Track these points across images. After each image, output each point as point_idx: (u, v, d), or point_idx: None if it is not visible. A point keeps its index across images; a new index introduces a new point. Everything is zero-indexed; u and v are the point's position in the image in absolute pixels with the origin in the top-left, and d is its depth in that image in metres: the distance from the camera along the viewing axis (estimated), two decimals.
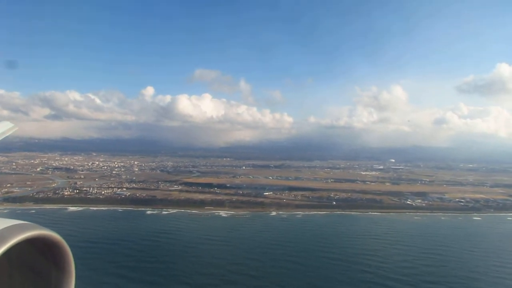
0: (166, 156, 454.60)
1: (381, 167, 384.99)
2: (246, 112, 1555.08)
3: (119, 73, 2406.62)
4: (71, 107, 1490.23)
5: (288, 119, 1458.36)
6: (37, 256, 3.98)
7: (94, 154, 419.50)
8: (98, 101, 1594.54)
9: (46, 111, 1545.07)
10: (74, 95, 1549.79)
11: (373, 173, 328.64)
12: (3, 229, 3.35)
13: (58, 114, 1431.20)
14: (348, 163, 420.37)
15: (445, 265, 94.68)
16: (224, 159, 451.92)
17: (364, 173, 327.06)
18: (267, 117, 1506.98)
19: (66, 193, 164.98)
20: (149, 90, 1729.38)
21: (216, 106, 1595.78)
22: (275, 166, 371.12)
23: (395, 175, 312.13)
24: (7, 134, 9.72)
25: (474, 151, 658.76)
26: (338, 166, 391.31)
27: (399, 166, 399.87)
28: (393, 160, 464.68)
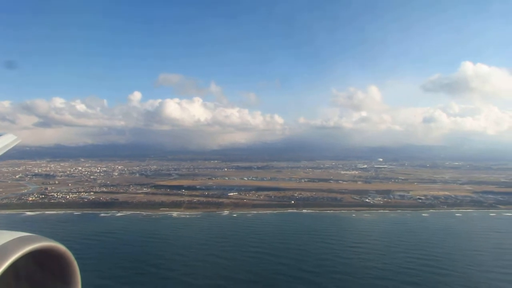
0: (154, 160, 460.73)
1: (365, 166, 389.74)
2: (238, 114, 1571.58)
3: (104, 78, 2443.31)
4: (60, 114, 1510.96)
5: (279, 120, 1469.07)
6: (42, 267, 3.99)
7: (83, 160, 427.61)
8: (86, 107, 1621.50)
9: (35, 119, 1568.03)
10: (62, 102, 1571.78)
11: (353, 172, 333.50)
12: (8, 242, 3.37)
13: (47, 121, 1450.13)
14: (334, 163, 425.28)
15: (363, 258, 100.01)
16: (212, 161, 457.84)
17: (343, 172, 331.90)
18: (257, 119, 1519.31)
19: (30, 199, 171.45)
20: (137, 95, 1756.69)
21: (208, 110, 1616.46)
22: (258, 167, 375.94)
23: (373, 174, 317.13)
24: (11, 147, 10.00)
25: (466, 149, 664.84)
26: (322, 166, 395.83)
27: (384, 165, 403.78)
28: (381, 159, 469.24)
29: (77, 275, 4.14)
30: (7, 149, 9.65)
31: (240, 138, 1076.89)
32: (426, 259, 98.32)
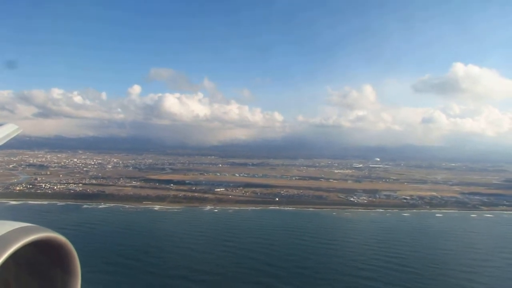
0: (152, 154, 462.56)
1: (360, 165, 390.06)
2: (237, 111, 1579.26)
3: (103, 71, 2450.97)
4: (59, 106, 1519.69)
5: (278, 117, 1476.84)
6: (43, 258, 4.07)
7: (80, 151, 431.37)
8: (85, 99, 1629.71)
9: (34, 109, 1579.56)
10: (61, 93, 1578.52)
11: (347, 171, 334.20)
12: (8, 232, 3.39)
13: (46, 112, 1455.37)
14: (330, 162, 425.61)
15: (331, 254, 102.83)
16: (209, 157, 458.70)
17: (337, 171, 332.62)
18: (256, 116, 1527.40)
19: (17, 188, 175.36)
20: (136, 89, 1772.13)
21: (207, 106, 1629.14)
22: (254, 164, 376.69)
23: (366, 173, 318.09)
24: (12, 136, 9.97)
25: (467, 150, 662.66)
26: (317, 164, 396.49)
27: (379, 164, 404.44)
28: (378, 159, 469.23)
29: (77, 265, 4.24)
30: (8, 138, 9.73)
31: (241, 135, 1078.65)
32: (392, 257, 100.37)
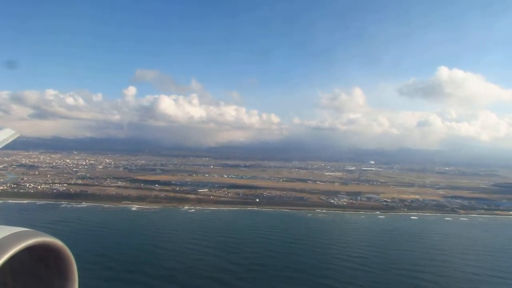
0: (147, 155, 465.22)
1: (353, 168, 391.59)
2: (234, 113, 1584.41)
3: (99, 72, 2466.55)
4: (54, 107, 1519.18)
5: (275, 119, 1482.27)
6: (39, 263, 4.01)
7: (75, 152, 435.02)
8: (81, 100, 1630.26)
9: (30, 110, 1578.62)
10: (56, 94, 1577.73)
11: (337, 173, 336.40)
12: (4, 237, 3.33)
13: (42, 113, 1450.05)
14: (323, 164, 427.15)
15: (293, 253, 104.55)
16: (203, 158, 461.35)
17: (327, 173, 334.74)
18: (252, 118, 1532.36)
19: (0, 188, 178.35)
20: (131, 90, 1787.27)
21: (206, 107, 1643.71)
22: (246, 166, 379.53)
23: (355, 176, 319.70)
24: (9, 141, 9.99)
25: (463, 154, 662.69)
26: (310, 167, 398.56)
27: (372, 168, 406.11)
28: (373, 162, 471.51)
29: (74, 270, 4.20)
30: (5, 143, 9.79)
31: (239, 137, 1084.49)
32: (353, 257, 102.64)
